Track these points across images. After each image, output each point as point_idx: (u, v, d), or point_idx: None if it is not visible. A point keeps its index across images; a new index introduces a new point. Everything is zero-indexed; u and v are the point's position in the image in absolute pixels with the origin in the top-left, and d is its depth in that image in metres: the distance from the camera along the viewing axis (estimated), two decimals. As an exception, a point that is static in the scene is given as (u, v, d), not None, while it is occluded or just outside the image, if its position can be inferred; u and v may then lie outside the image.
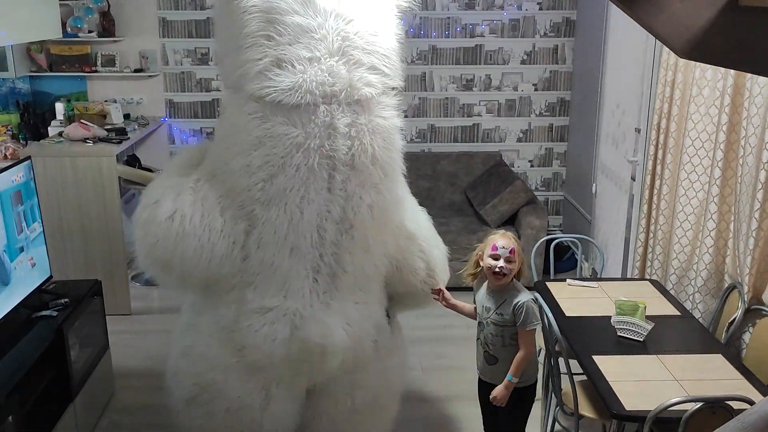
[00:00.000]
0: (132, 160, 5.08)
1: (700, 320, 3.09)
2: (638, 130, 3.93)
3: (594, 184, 4.82)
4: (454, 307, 2.77)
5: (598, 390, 2.44)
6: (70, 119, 4.74)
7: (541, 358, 3.16)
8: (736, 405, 2.20)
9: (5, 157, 4.57)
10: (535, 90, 5.51)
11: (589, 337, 2.80)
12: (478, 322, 2.66)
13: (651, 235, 3.59)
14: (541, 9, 5.34)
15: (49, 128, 4.76)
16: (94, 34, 5.07)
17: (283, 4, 2.22)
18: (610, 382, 2.44)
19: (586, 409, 2.74)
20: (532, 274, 3.62)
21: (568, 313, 2.98)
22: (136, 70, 5.23)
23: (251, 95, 2.27)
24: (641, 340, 2.72)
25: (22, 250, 2.99)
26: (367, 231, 2.46)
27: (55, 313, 3.02)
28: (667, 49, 2.91)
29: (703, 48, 1.05)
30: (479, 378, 2.71)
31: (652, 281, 3.38)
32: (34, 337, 2.86)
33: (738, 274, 2.97)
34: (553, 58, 5.44)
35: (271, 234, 2.36)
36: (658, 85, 3.50)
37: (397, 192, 2.60)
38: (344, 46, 2.28)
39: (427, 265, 2.72)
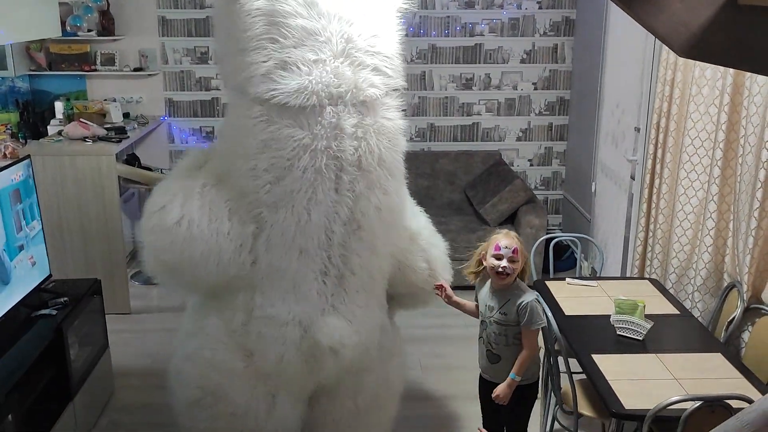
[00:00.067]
0: (131, 159, 5.08)
1: (700, 319, 3.09)
2: (638, 129, 3.93)
3: (593, 183, 4.82)
4: (455, 304, 2.77)
5: (598, 389, 2.44)
6: (69, 118, 4.74)
7: (540, 357, 3.17)
8: (735, 404, 2.20)
9: (4, 156, 4.56)
10: (535, 89, 5.51)
11: (588, 336, 2.80)
12: (481, 321, 2.67)
13: (650, 234, 3.59)
14: (540, 8, 5.34)
15: (48, 127, 4.75)
16: (93, 33, 5.07)
17: (287, 7, 2.21)
18: (609, 381, 2.44)
19: (585, 408, 2.74)
20: (532, 273, 3.62)
21: (567, 312, 2.98)
22: (135, 69, 5.23)
23: (256, 98, 2.27)
24: (640, 339, 2.72)
25: (21, 248, 2.98)
26: (375, 232, 2.46)
27: (54, 312, 3.01)
28: (666, 47, 2.91)
29: (702, 47, 1.05)
30: (480, 376, 2.72)
31: (651, 280, 3.38)
32: (34, 336, 2.86)
33: (737, 273, 2.97)
34: (553, 57, 5.44)
35: (279, 236, 2.36)
36: (657, 83, 3.50)
37: (402, 193, 2.61)
38: (348, 47, 2.28)
39: (429, 266, 2.73)
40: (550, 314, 2.71)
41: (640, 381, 2.47)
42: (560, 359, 2.76)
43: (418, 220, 2.80)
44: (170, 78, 5.35)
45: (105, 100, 5.08)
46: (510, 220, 4.87)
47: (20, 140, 4.85)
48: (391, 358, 2.75)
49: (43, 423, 2.81)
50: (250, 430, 2.52)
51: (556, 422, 2.99)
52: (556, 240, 3.77)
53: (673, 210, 3.39)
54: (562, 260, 4.82)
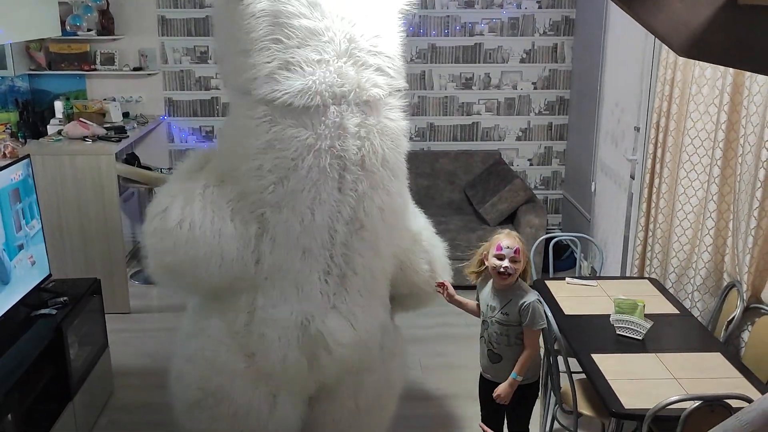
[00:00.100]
0: (131, 159, 5.08)
1: (699, 319, 3.09)
2: (637, 129, 3.93)
3: (593, 183, 4.82)
4: (457, 303, 2.77)
5: (597, 388, 2.44)
6: (69, 117, 4.74)
7: (540, 356, 3.17)
8: (734, 403, 2.20)
9: (4, 155, 4.56)
10: (535, 88, 5.51)
11: (588, 335, 2.80)
12: (482, 320, 2.67)
13: (650, 233, 3.59)
14: (540, 8, 5.33)
15: (48, 126, 4.75)
16: (93, 33, 5.07)
17: (290, 8, 2.21)
18: (608, 381, 2.44)
19: (585, 408, 2.74)
20: (532, 272, 3.62)
21: (567, 312, 2.98)
22: (135, 69, 5.22)
23: (260, 99, 2.26)
24: (640, 338, 2.72)
25: (21, 248, 2.98)
26: (378, 232, 2.46)
27: (54, 312, 3.01)
28: (666, 47, 2.91)
29: (702, 46, 1.05)
30: (481, 375, 2.72)
31: (651, 280, 3.38)
32: (33, 336, 2.86)
33: (737, 273, 2.97)
34: (553, 56, 5.44)
35: (282, 236, 2.36)
36: (657, 83, 3.50)
37: (405, 194, 2.61)
38: (351, 47, 2.28)
39: (431, 267, 2.74)
40: (549, 314, 2.71)
41: (639, 380, 2.47)
42: (560, 359, 2.76)
43: (418, 221, 2.81)
44: (170, 77, 5.35)
45: (104, 99, 5.08)
46: (510, 220, 4.87)
47: (20, 140, 4.85)
48: (393, 358, 2.75)
49: (43, 422, 2.81)
50: (251, 430, 2.52)
51: (555, 422, 2.99)
52: (555, 239, 3.77)
53: (673, 209, 3.39)
54: (561, 260, 4.82)
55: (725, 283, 3.07)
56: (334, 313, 2.46)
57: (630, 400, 2.33)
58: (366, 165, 2.36)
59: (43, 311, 3.01)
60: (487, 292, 2.64)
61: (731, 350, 2.85)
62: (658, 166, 3.52)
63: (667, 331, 2.83)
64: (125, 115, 5.09)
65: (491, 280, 2.62)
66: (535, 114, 5.56)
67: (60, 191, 4.16)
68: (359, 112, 2.32)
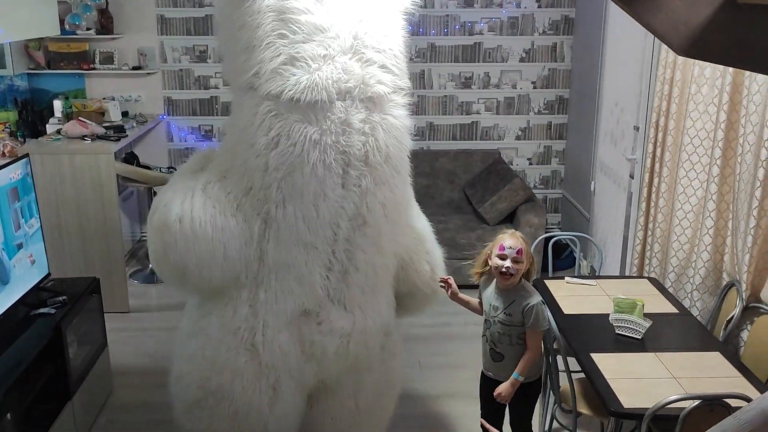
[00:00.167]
0: (130, 158, 5.08)
1: (698, 318, 3.10)
2: (637, 128, 3.93)
3: (593, 182, 4.82)
4: (460, 300, 2.78)
5: (596, 388, 2.44)
6: (68, 117, 4.74)
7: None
8: (733, 402, 2.20)
9: (3, 154, 4.56)
10: (534, 88, 5.51)
11: (587, 335, 2.80)
12: (485, 320, 2.67)
13: (649, 233, 3.59)
14: (539, 7, 5.33)
15: (47, 126, 4.75)
16: (92, 32, 5.07)
17: (296, 3, 2.22)
18: (608, 380, 2.44)
19: (584, 407, 2.74)
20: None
21: (566, 311, 2.98)
22: (134, 68, 5.22)
23: (266, 94, 2.27)
24: (639, 337, 2.72)
25: (20, 247, 2.98)
26: (380, 228, 2.47)
27: (53, 311, 3.01)
28: (665, 46, 2.91)
29: (701, 46, 1.05)
30: (483, 373, 2.72)
31: (650, 279, 3.38)
32: (33, 335, 2.86)
33: (736, 272, 2.97)
34: (552, 56, 5.44)
35: (286, 232, 2.36)
36: (656, 83, 3.50)
37: (407, 191, 2.62)
38: (356, 44, 2.29)
39: (432, 267, 2.74)
40: (549, 313, 2.71)
41: (638, 380, 2.47)
42: (559, 358, 2.77)
43: (422, 222, 2.82)
44: (169, 76, 5.34)
45: (104, 98, 5.08)
46: (509, 219, 4.87)
47: (19, 139, 4.84)
48: (392, 359, 2.75)
49: (42, 422, 2.81)
50: (253, 426, 2.51)
51: (555, 421, 2.99)
52: (555, 239, 3.77)
53: (672, 209, 3.39)
54: (561, 259, 4.82)
55: (724, 283, 3.08)
56: (335, 308, 2.46)
57: (629, 400, 2.33)
58: (370, 161, 2.37)
59: (42, 310, 3.00)
60: (490, 292, 2.64)
61: (730, 349, 2.85)
62: (657, 165, 3.52)
63: (666, 331, 2.83)
64: (124, 114, 5.09)
65: (495, 280, 2.63)
66: (535, 113, 5.56)
67: (59, 190, 4.16)
68: (364, 108, 2.33)
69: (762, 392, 2.36)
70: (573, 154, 5.47)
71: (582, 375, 2.68)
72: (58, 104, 4.85)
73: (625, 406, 2.31)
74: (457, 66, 5.44)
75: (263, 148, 2.29)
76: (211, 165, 2.52)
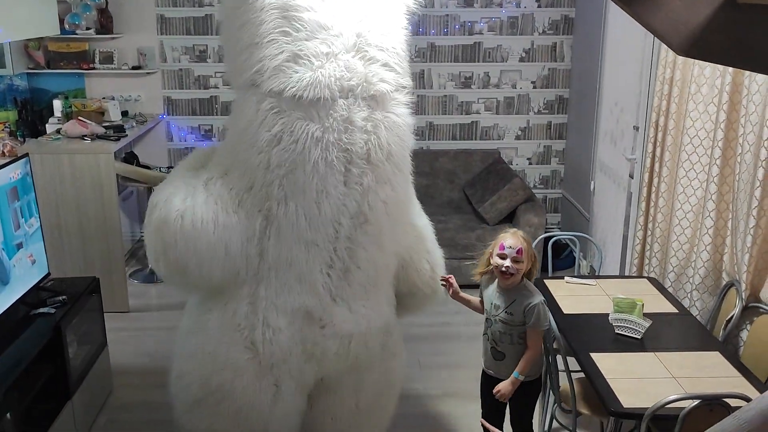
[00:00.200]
0: (130, 158, 5.08)
1: (698, 318, 3.10)
2: (636, 128, 3.93)
3: (592, 182, 4.82)
4: (461, 299, 2.78)
5: (596, 387, 2.44)
6: (67, 116, 4.74)
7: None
8: (733, 402, 2.20)
9: (3, 154, 4.56)
10: (534, 87, 5.51)
11: (586, 334, 2.80)
12: (485, 318, 2.68)
13: (649, 232, 3.59)
14: (539, 6, 5.33)
15: (46, 125, 4.75)
16: (92, 31, 5.06)
17: (300, 1, 2.23)
18: (607, 380, 2.44)
19: (583, 407, 2.74)
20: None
21: (566, 311, 2.98)
22: (134, 67, 5.22)
23: (268, 91, 2.27)
24: (639, 337, 2.72)
25: (20, 246, 2.98)
26: (382, 226, 2.47)
27: (53, 311, 3.01)
28: (665, 46, 2.91)
29: (701, 45, 1.05)
30: (483, 372, 2.73)
31: (650, 279, 3.38)
32: (32, 335, 2.85)
33: (736, 272, 2.97)
34: (552, 55, 5.44)
35: (287, 229, 2.35)
36: (656, 82, 3.50)
37: (408, 189, 2.62)
38: (359, 42, 2.30)
39: (432, 267, 2.74)
40: (549, 314, 2.71)
41: (638, 380, 2.47)
42: (559, 358, 2.77)
43: (422, 221, 2.82)
44: (169, 76, 5.34)
45: (103, 98, 5.08)
46: (509, 219, 4.87)
47: (18, 138, 4.84)
48: (393, 358, 2.75)
49: (42, 421, 2.81)
50: (255, 424, 2.51)
51: (554, 421, 2.99)
52: (554, 238, 3.77)
53: (672, 209, 3.39)
54: (560, 259, 4.82)
55: (724, 282, 3.08)
56: (336, 306, 2.46)
57: (629, 399, 2.33)
58: (372, 159, 2.37)
59: (41, 310, 3.00)
60: (491, 291, 2.65)
61: (730, 349, 2.85)
62: (657, 165, 3.52)
63: (665, 330, 2.83)
64: (124, 113, 5.09)
65: (497, 279, 2.63)
66: (535, 113, 5.56)
67: (59, 190, 4.15)
68: (366, 106, 2.33)
69: (761, 392, 2.36)
70: (573, 153, 5.47)
71: (582, 375, 2.68)
72: (57, 104, 4.85)
73: (624, 406, 2.31)
74: (457, 66, 5.44)
75: (265, 145, 2.29)
76: (212, 162, 2.51)
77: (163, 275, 2.52)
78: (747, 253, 2.86)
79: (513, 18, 5.35)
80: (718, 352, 2.66)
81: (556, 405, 2.88)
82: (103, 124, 4.62)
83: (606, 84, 4.64)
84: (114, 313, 4.16)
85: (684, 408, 2.19)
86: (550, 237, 3.79)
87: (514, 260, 2.53)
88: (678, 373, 2.50)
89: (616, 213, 4.27)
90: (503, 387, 2.56)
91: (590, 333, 2.82)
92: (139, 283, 4.81)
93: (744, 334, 2.92)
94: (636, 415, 2.29)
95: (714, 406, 2.20)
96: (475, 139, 5.58)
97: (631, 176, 3.96)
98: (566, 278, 3.34)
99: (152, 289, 4.74)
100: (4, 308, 2.81)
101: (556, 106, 5.55)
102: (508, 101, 5.52)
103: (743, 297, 2.88)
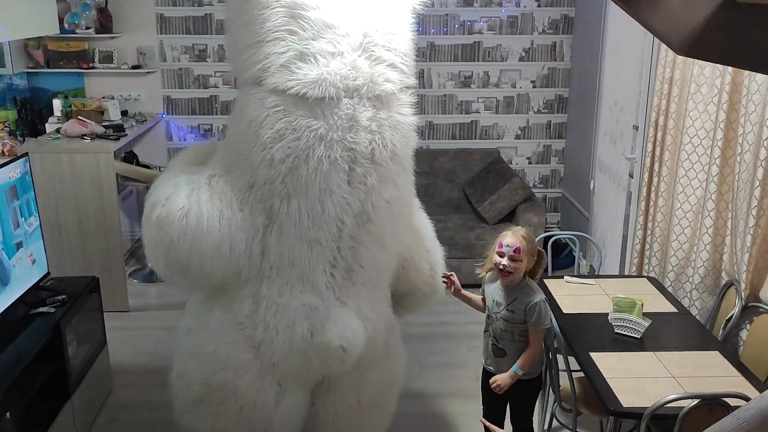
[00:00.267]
0: (129, 157, 5.07)
1: (698, 317, 3.10)
2: (636, 128, 3.93)
3: (592, 182, 4.82)
4: (462, 297, 2.78)
5: (596, 387, 2.44)
6: (67, 116, 4.73)
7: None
8: (732, 402, 2.20)
9: (2, 153, 4.56)
10: (534, 87, 5.51)
11: (586, 334, 2.80)
12: (487, 315, 2.69)
13: (649, 232, 3.59)
14: (539, 6, 5.33)
15: (46, 125, 4.75)
16: (91, 31, 5.06)
17: (307, 0, 2.23)
18: (607, 379, 2.44)
19: (583, 406, 2.74)
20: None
21: (565, 310, 2.98)
22: (133, 67, 5.22)
23: (273, 89, 2.26)
24: (638, 337, 2.72)
25: (20, 246, 2.98)
26: (384, 226, 2.47)
27: (52, 310, 3.01)
28: (665, 46, 2.91)
29: (701, 45, 1.05)
30: (484, 368, 2.73)
31: (649, 278, 3.38)
32: (32, 334, 2.85)
33: (735, 272, 2.98)
34: (552, 55, 5.44)
35: (290, 227, 2.35)
36: (656, 82, 3.51)
37: (411, 189, 2.62)
38: (365, 42, 2.30)
39: (431, 267, 2.74)
40: (550, 312, 2.71)
41: (637, 379, 2.47)
42: (559, 357, 2.77)
43: (422, 221, 2.82)
44: (168, 75, 5.34)
45: (103, 97, 5.08)
46: (509, 218, 4.87)
47: (18, 138, 4.84)
48: (395, 357, 2.76)
49: (42, 421, 2.81)
50: (258, 423, 2.50)
51: (554, 420, 2.99)
52: (554, 238, 3.77)
53: (672, 208, 3.39)
54: (560, 258, 4.82)
55: (723, 282, 3.08)
56: (340, 305, 2.46)
57: (628, 399, 2.33)
58: (376, 158, 2.37)
59: (41, 309, 3.00)
60: (494, 288, 2.66)
61: (729, 349, 2.85)
62: (656, 164, 3.52)
63: (665, 330, 2.84)
64: (124, 113, 5.08)
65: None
66: (534, 112, 5.56)
67: (58, 189, 4.15)
68: (371, 106, 2.33)
69: (761, 391, 2.36)
70: (572, 153, 5.47)
71: (581, 374, 2.68)
72: (57, 103, 4.84)
73: (624, 405, 2.31)
74: (457, 65, 5.43)
75: (269, 141, 2.28)
76: (213, 159, 2.50)
77: (162, 274, 2.50)
78: (746, 253, 2.86)
79: (513, 17, 5.35)
80: (717, 352, 2.66)
81: (555, 404, 2.88)
82: (103, 124, 4.61)
83: (606, 83, 4.64)
84: (113, 313, 4.16)
85: (683, 407, 2.19)
86: (550, 236, 3.79)
87: (512, 259, 2.53)
88: (677, 373, 2.50)
89: (616, 212, 4.27)
90: (501, 379, 2.57)
91: (590, 332, 2.82)
92: (139, 282, 4.81)
93: (743, 334, 2.93)
94: (635, 414, 2.29)
95: (713, 406, 2.20)
96: (475, 139, 5.58)
97: (631, 176, 3.96)
98: (566, 278, 3.34)
99: (152, 288, 4.74)
100: (4, 307, 2.81)
101: (556, 105, 5.55)
102: (508, 101, 5.52)
103: (743, 296, 2.89)
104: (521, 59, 5.44)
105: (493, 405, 2.71)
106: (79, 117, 4.48)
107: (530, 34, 5.39)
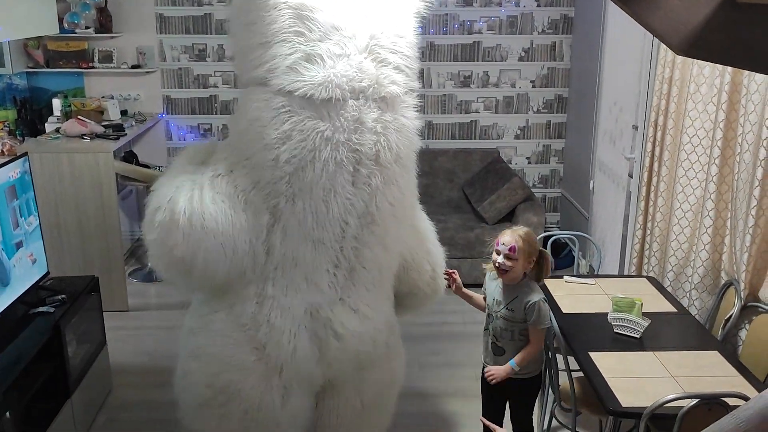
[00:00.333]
0: (129, 157, 5.07)
1: (697, 317, 3.10)
2: (635, 127, 3.94)
3: (591, 181, 4.82)
4: (463, 295, 2.79)
5: (595, 386, 2.44)
6: (67, 115, 4.74)
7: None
8: (732, 401, 2.20)
9: (2, 153, 4.56)
10: (533, 87, 5.51)
11: (585, 334, 2.81)
12: (487, 314, 2.69)
13: (648, 232, 3.59)
14: (539, 6, 5.33)
15: (46, 124, 4.75)
16: (91, 30, 5.06)
17: (314, 1, 2.23)
18: (606, 379, 2.44)
19: (582, 406, 2.74)
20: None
21: (565, 310, 2.98)
22: (133, 66, 5.22)
23: (279, 90, 2.26)
24: (638, 336, 2.73)
25: (19, 245, 2.98)
26: (388, 227, 2.47)
27: (52, 310, 3.01)
28: (664, 46, 2.91)
29: (700, 45, 1.05)
30: (483, 367, 2.73)
31: (649, 278, 3.38)
32: (32, 334, 2.86)
33: (734, 271, 2.98)
34: (551, 55, 5.44)
35: (295, 227, 2.35)
36: (655, 82, 3.51)
37: (414, 191, 2.63)
38: (371, 44, 2.30)
39: (433, 268, 2.75)
40: (549, 311, 2.72)
41: (637, 379, 2.47)
42: (558, 356, 2.77)
43: (424, 221, 2.83)
44: (168, 75, 5.34)
45: (103, 97, 5.08)
46: (508, 218, 4.87)
47: (18, 137, 4.84)
48: (396, 357, 2.76)
49: (41, 420, 2.81)
50: (264, 425, 2.49)
51: (554, 420, 3.00)
52: (554, 238, 3.77)
53: (671, 208, 3.39)
54: (560, 258, 4.82)
55: (723, 282, 3.08)
56: (342, 305, 2.46)
57: (627, 398, 2.34)
58: (380, 160, 2.37)
59: (41, 309, 3.00)
60: (494, 287, 2.66)
61: (728, 348, 2.86)
62: (656, 164, 3.52)
63: (664, 330, 2.84)
64: (123, 112, 5.08)
65: None
66: (534, 112, 5.56)
67: (58, 189, 4.15)
68: (376, 107, 2.34)
69: (760, 391, 2.36)
70: (572, 153, 5.47)
71: (580, 374, 2.68)
72: (57, 103, 4.84)
73: (623, 405, 2.31)
74: (456, 65, 5.44)
75: (275, 142, 2.28)
76: (214, 159, 2.48)
77: (165, 274, 2.48)
78: (746, 253, 2.87)
79: (512, 17, 5.35)
80: (716, 352, 2.66)
81: (555, 403, 2.89)
82: (103, 123, 4.61)
83: (605, 83, 4.64)
84: (113, 312, 4.16)
85: (682, 407, 2.20)
86: (549, 236, 3.79)
87: (507, 257, 2.54)
88: (677, 373, 2.50)
89: (615, 212, 4.28)
90: (495, 369, 2.58)
91: (589, 332, 2.82)
92: (139, 282, 4.81)
93: (743, 334, 2.93)
94: (635, 414, 2.30)
95: (712, 406, 2.20)
96: (475, 139, 5.58)
97: (631, 175, 3.96)
98: (565, 277, 3.34)
99: (151, 288, 4.74)
100: (4, 307, 2.81)
101: (556, 105, 5.55)
102: (508, 100, 5.52)
103: (742, 296, 2.89)
104: (521, 59, 5.44)
105: (492, 404, 2.71)
106: (79, 117, 4.48)
107: (530, 34, 5.39)
